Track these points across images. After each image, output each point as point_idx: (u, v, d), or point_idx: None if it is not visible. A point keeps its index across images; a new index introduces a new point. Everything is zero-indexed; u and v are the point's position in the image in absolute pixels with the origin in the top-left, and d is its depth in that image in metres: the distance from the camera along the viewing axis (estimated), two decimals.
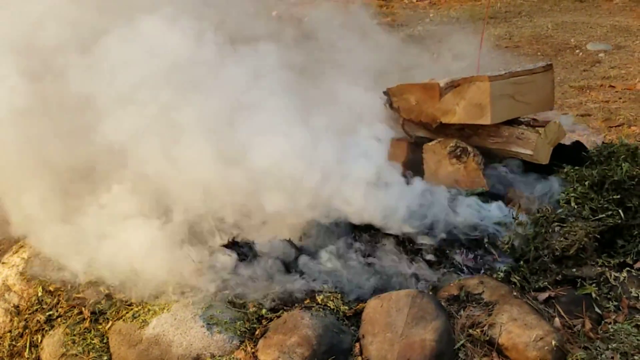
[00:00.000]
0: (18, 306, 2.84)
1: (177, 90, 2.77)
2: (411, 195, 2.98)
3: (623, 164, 3.20)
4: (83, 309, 2.72)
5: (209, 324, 2.51)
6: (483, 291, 2.64)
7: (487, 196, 3.22)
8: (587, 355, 2.44)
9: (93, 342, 2.63)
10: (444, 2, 10.47)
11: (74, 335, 2.65)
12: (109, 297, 2.73)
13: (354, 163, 2.89)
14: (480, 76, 3.28)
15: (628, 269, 2.85)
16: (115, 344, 2.59)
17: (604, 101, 6.25)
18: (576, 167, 3.32)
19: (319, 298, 2.59)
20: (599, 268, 2.80)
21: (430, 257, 2.87)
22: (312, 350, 2.39)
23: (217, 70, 2.90)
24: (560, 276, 2.74)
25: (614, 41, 8.17)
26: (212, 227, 2.89)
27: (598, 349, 2.49)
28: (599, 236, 2.87)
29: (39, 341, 2.72)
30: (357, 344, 2.48)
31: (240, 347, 2.47)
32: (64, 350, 2.61)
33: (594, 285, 2.73)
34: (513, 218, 3.02)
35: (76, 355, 2.59)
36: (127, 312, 2.65)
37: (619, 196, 3.05)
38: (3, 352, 2.75)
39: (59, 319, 2.73)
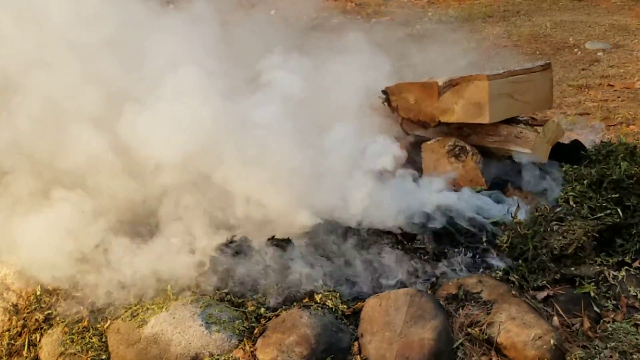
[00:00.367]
0: (16, 305, 2.84)
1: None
2: (408, 191, 3.00)
3: (622, 163, 3.20)
4: (82, 307, 2.72)
5: (207, 322, 2.51)
6: (482, 290, 2.64)
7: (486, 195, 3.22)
8: (585, 354, 2.44)
9: (92, 341, 2.62)
10: (442, 1, 10.46)
11: (73, 334, 2.64)
12: (107, 295, 2.73)
13: (354, 159, 2.90)
14: (478, 75, 3.28)
15: (627, 267, 2.85)
16: (114, 342, 2.58)
17: (602, 100, 6.25)
18: (575, 166, 3.32)
19: (318, 297, 2.59)
20: (597, 267, 2.81)
21: (429, 255, 2.87)
22: (311, 349, 2.39)
23: None
24: (558, 275, 2.74)
25: (613, 40, 8.17)
26: (213, 224, 2.89)
27: (597, 347, 2.50)
28: (597, 235, 2.87)
29: (38, 340, 2.71)
30: (356, 343, 2.48)
31: (239, 346, 2.46)
32: (63, 349, 2.60)
33: (592, 284, 2.73)
34: (512, 217, 3.02)
35: (75, 354, 2.58)
36: (125, 311, 2.65)
37: (617, 195, 3.05)
38: (2, 351, 2.74)
39: (57, 318, 2.73)
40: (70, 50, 2.79)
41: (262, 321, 2.55)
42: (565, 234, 2.84)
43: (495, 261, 2.86)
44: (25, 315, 2.79)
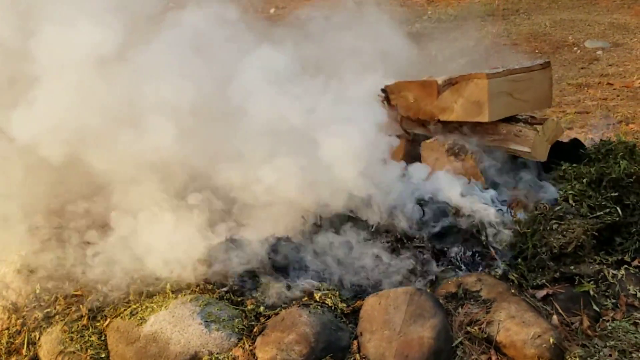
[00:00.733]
0: (16, 303, 2.84)
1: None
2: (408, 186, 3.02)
3: (621, 162, 3.20)
4: (81, 306, 2.71)
5: (207, 321, 2.51)
6: (481, 289, 2.64)
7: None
8: (585, 353, 2.44)
9: (91, 339, 2.62)
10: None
11: (72, 332, 2.64)
12: (106, 294, 2.73)
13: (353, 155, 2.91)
14: (478, 74, 3.28)
15: (626, 266, 2.85)
16: (113, 341, 2.58)
17: (602, 99, 6.26)
18: (574, 165, 3.32)
19: (317, 295, 2.59)
20: (597, 265, 2.81)
21: (428, 254, 2.87)
22: (310, 348, 2.39)
23: None
24: (558, 274, 2.74)
25: (612, 39, 8.17)
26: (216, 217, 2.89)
27: (596, 346, 2.50)
28: (597, 234, 2.87)
29: (37, 338, 2.71)
30: (355, 342, 2.48)
31: (238, 345, 2.46)
32: (62, 347, 2.60)
33: (592, 282, 2.73)
34: (511, 215, 3.02)
35: (74, 352, 2.58)
36: (124, 310, 2.65)
37: (616, 194, 3.05)
38: (1, 349, 2.74)
39: (56, 316, 2.73)
40: None
41: (262, 320, 2.55)
42: (564, 232, 2.84)
43: (495, 260, 2.86)
44: (24, 313, 2.79)
